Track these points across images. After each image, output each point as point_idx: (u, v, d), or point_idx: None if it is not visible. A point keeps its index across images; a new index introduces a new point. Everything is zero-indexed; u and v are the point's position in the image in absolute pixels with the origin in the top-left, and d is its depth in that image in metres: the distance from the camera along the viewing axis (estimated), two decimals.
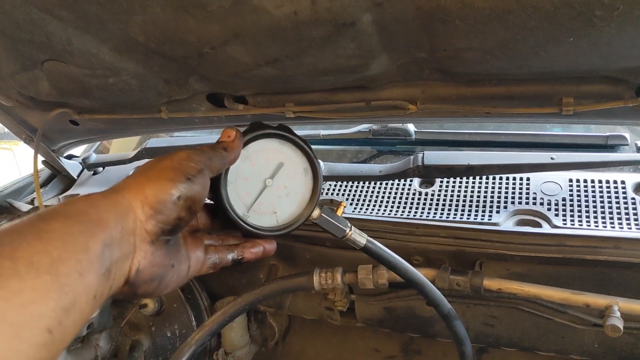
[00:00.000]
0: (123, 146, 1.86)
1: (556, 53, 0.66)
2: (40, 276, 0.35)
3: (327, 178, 1.13)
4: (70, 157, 1.53)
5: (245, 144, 0.61)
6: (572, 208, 0.97)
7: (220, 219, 0.62)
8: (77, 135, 1.32)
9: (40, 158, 1.41)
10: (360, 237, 0.72)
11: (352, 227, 0.72)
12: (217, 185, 0.59)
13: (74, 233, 0.40)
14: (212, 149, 0.55)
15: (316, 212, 0.67)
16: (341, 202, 0.74)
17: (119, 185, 0.49)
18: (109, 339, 1.21)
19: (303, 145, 0.65)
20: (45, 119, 1.16)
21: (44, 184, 1.50)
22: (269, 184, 0.63)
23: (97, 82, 0.94)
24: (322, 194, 1.18)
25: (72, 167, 1.48)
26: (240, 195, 0.61)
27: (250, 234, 0.62)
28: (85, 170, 1.51)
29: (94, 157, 1.48)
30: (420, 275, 0.79)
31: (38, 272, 0.35)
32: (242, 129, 0.63)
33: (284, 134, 0.65)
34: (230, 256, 0.58)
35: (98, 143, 1.64)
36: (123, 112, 1.11)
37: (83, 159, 1.48)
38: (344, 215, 0.73)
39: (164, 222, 0.48)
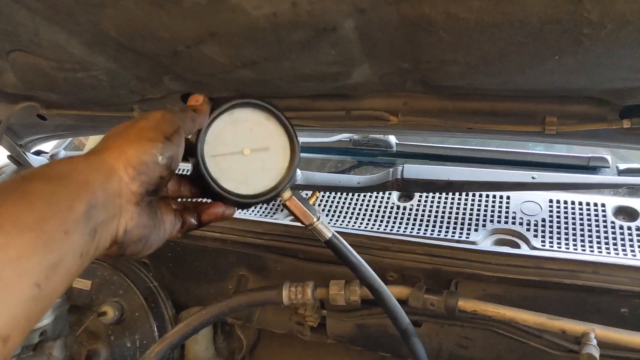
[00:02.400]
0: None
1: (541, 70, 0.64)
2: (25, 233, 0.36)
3: (304, 187, 1.10)
4: (38, 152, 1.47)
5: (233, 107, 0.62)
6: (551, 229, 0.95)
7: (190, 180, 0.62)
8: (46, 130, 1.27)
9: (6, 152, 1.35)
10: (327, 230, 0.70)
11: (321, 219, 0.70)
12: (192, 147, 0.59)
13: (57, 193, 0.40)
14: (182, 110, 0.56)
15: (287, 194, 0.67)
16: (315, 192, 0.74)
17: (98, 147, 0.49)
18: (63, 348, 1.14)
19: (288, 126, 0.65)
20: (10, 112, 1.10)
21: None
22: (246, 153, 0.63)
23: (65, 76, 0.91)
24: None
25: (39, 163, 1.41)
26: (216, 158, 0.61)
27: (219, 197, 0.61)
28: None
29: (62, 154, 1.43)
30: (382, 284, 0.76)
31: (22, 229, 0.36)
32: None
33: (273, 110, 0.65)
34: (193, 219, 0.60)
35: (69, 140, 1.58)
36: (94, 108, 1.08)
37: (51, 156, 1.42)
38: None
39: (147, 182, 0.49)
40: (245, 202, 0.63)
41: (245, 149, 0.63)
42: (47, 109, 1.10)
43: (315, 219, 0.69)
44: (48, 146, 1.50)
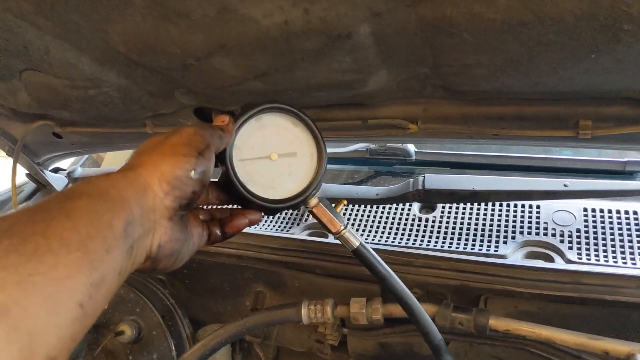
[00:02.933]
0: (116, 159, 1.82)
1: (575, 71, 0.60)
2: (71, 252, 0.37)
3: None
4: (56, 170, 1.47)
5: (261, 112, 0.63)
6: (587, 241, 0.89)
7: (217, 187, 0.63)
8: (62, 148, 1.27)
9: (24, 171, 1.36)
10: (354, 239, 0.69)
11: (348, 226, 0.69)
12: (223, 153, 0.60)
13: (98, 211, 0.41)
14: (211, 128, 0.57)
15: (314, 201, 0.67)
16: (342, 200, 0.73)
17: (133, 163, 0.49)
18: None
19: (315, 131, 0.66)
20: (25, 131, 1.11)
21: (28, 198, 1.44)
22: (274, 158, 0.64)
23: (77, 93, 0.91)
24: None
25: (57, 181, 1.42)
26: (244, 163, 0.62)
27: (246, 201, 0.62)
28: (70, 184, 1.45)
29: (79, 171, 1.43)
30: (412, 297, 0.73)
31: (69, 249, 0.37)
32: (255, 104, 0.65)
33: (301, 115, 0.66)
34: (218, 231, 0.60)
35: (86, 156, 1.58)
36: (106, 125, 1.07)
37: (68, 173, 1.43)
38: None
39: (181, 197, 0.49)
40: (272, 206, 0.63)
41: (273, 154, 0.64)
42: (61, 127, 1.10)
43: (342, 227, 0.68)
44: (65, 163, 1.51)
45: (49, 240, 0.36)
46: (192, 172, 0.50)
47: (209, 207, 0.63)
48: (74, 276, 0.36)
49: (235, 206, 0.64)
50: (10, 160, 1.20)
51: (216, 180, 0.64)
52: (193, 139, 0.52)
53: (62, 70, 0.82)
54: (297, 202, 0.64)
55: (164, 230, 0.48)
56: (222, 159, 0.60)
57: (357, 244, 0.69)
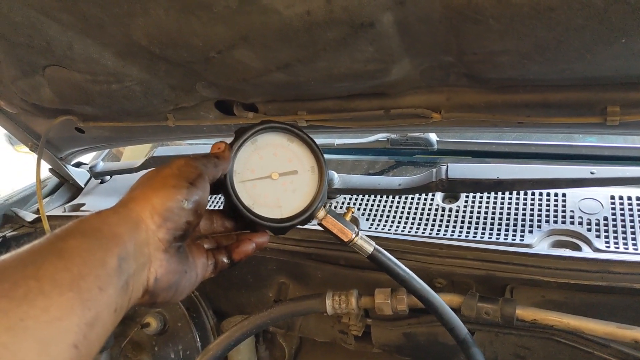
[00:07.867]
0: (135, 153, 1.84)
1: (604, 56, 0.59)
2: (64, 293, 0.37)
3: (342, 191, 1.06)
4: (78, 164, 1.50)
5: (255, 134, 0.63)
6: (615, 229, 0.88)
7: (222, 214, 0.63)
8: (84, 143, 1.29)
9: (48, 166, 1.38)
10: (368, 245, 0.68)
11: (360, 233, 0.68)
12: (224, 180, 0.61)
13: (91, 249, 0.41)
14: (205, 157, 0.57)
15: (322, 213, 0.66)
16: (350, 207, 0.72)
17: (125, 199, 0.50)
18: (109, 359, 1.16)
19: (311, 144, 0.66)
20: (49, 126, 1.12)
21: (51, 192, 1.47)
22: (275, 177, 0.64)
23: (99, 88, 0.92)
24: (335, 208, 1.13)
25: (80, 175, 1.45)
26: (246, 186, 0.62)
27: (253, 224, 0.62)
28: (93, 178, 1.47)
29: (101, 166, 1.45)
30: (435, 294, 0.72)
31: (62, 290, 0.37)
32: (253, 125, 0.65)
33: (295, 130, 0.65)
34: (225, 258, 0.60)
35: (107, 150, 1.60)
36: (128, 119, 1.08)
37: (90, 167, 1.45)
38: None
39: (174, 228, 0.49)
40: (280, 226, 0.63)
41: (274, 174, 0.64)
42: (84, 122, 1.11)
43: (354, 235, 0.67)
44: (87, 158, 1.53)
45: (41, 282, 0.36)
46: (185, 202, 0.50)
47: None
48: (66, 317, 0.36)
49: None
50: (34, 156, 1.22)
51: (218, 208, 0.64)
52: (183, 170, 0.52)
53: (84, 65, 0.83)
54: (305, 218, 0.64)
55: (160, 263, 0.48)
56: (223, 185, 0.60)
57: (372, 250, 0.68)
